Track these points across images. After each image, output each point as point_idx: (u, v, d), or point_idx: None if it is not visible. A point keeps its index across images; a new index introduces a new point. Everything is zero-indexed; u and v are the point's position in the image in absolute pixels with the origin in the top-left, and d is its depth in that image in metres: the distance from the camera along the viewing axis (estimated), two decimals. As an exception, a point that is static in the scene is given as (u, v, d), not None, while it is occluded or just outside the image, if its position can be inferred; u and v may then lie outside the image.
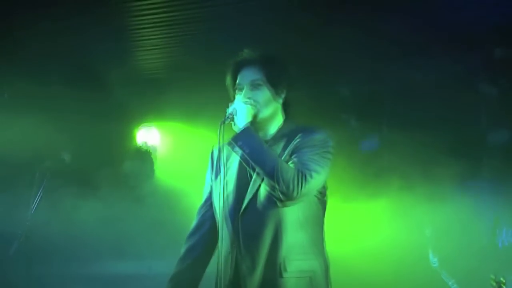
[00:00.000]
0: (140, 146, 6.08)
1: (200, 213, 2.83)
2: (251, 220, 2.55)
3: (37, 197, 3.85)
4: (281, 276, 2.49)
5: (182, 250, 2.79)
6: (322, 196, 2.66)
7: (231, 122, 2.56)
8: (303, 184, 2.41)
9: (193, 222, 2.84)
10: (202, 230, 2.79)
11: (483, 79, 5.50)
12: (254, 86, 2.61)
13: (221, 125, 2.54)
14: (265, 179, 2.45)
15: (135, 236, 5.07)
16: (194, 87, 5.60)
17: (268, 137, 2.67)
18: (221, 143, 2.59)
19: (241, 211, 2.57)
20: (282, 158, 2.54)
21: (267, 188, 2.46)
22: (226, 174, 2.68)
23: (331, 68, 5.44)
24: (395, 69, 5.47)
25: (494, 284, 3.40)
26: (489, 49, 5.24)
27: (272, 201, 2.49)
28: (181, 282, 2.73)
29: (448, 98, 5.19)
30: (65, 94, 5.34)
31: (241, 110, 2.54)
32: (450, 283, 4.46)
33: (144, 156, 5.94)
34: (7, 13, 4.33)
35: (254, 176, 2.55)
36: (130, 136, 6.42)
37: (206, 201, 2.83)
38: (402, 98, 5.64)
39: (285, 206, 2.48)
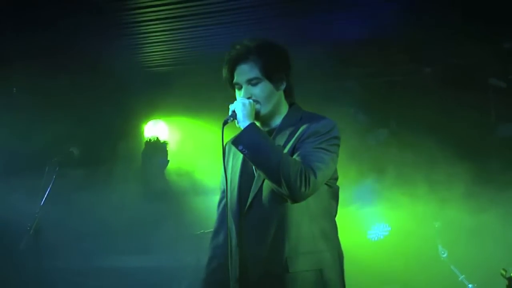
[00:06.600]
0: (148, 140, 6.10)
1: (220, 207, 2.78)
2: (256, 215, 2.49)
3: (47, 191, 3.86)
4: (287, 271, 2.42)
5: (209, 248, 2.73)
6: (334, 183, 2.58)
7: (235, 120, 2.47)
8: (311, 179, 2.31)
9: (215, 218, 2.78)
10: (225, 226, 2.64)
11: (493, 74, 5.47)
12: (253, 84, 2.53)
13: (223, 125, 2.47)
14: (269, 180, 2.38)
15: (145, 229, 5.09)
16: (201, 81, 5.59)
17: (274, 127, 2.59)
18: (224, 143, 2.54)
19: (247, 206, 2.52)
20: (288, 147, 2.47)
21: (275, 186, 2.37)
22: (232, 170, 2.64)
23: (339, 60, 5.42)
24: (406, 61, 5.46)
25: (505, 277, 3.38)
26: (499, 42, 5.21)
27: (279, 195, 2.40)
28: (216, 281, 2.66)
29: (456, 92, 5.17)
30: (73, 89, 5.37)
31: (242, 109, 2.45)
32: (460, 277, 4.45)
33: (154, 150, 5.95)
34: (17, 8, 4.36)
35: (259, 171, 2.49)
36: (138, 131, 6.44)
37: (222, 195, 2.76)
38: (410, 93, 5.62)
39: (296, 202, 2.38)
